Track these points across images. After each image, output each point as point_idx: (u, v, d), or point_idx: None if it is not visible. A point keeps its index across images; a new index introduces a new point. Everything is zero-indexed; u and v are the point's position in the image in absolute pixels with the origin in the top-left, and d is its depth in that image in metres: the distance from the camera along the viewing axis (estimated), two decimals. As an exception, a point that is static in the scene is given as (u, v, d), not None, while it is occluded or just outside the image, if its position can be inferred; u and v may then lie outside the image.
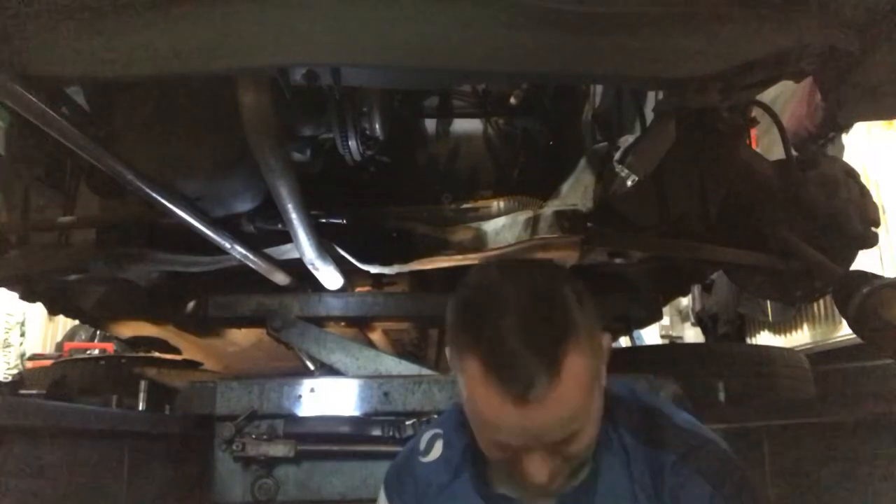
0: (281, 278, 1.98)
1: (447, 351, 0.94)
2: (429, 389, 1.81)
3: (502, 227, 1.98)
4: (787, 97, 3.30)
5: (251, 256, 1.75)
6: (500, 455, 0.89)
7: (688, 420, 1.00)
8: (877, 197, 2.85)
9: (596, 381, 0.88)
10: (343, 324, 2.26)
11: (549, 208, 1.94)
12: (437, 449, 1.08)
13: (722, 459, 0.94)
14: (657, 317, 2.40)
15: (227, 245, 1.65)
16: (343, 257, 1.84)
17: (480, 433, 0.90)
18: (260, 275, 1.90)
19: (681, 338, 5.73)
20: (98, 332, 4.98)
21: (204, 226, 1.54)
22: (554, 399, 0.80)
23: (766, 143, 3.00)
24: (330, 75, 1.13)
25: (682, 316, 5.65)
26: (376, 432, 1.77)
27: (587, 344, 0.85)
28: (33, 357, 5.81)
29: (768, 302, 4.07)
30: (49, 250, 1.85)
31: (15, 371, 5.76)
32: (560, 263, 0.82)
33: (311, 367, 2.16)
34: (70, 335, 5.99)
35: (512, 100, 2.00)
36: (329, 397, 1.84)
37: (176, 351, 2.88)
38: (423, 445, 1.10)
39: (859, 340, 1.71)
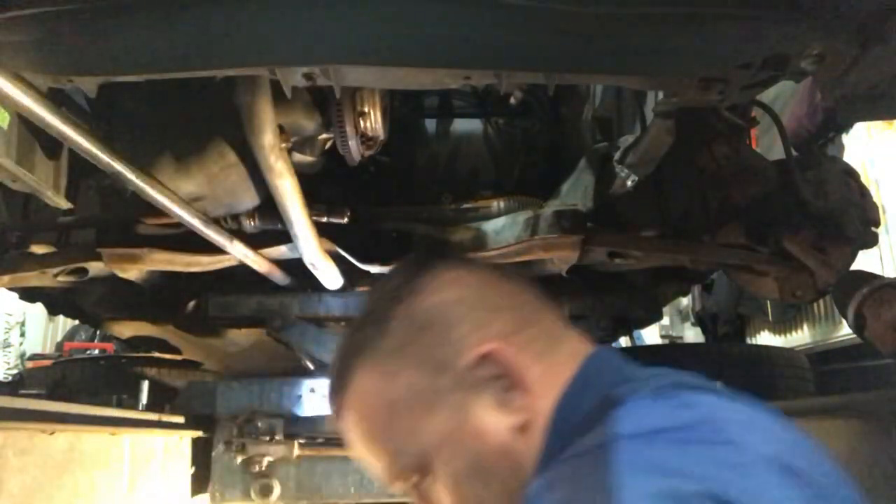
0: (281, 278, 1.98)
1: None
2: (429, 389, 1.80)
3: (502, 227, 1.98)
4: (787, 97, 3.30)
5: (251, 256, 1.75)
6: None
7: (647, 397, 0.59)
8: (877, 197, 2.85)
9: (416, 403, 0.70)
10: (343, 324, 2.26)
11: (549, 208, 1.94)
12: None
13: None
14: (657, 317, 2.40)
15: (227, 245, 1.65)
16: (343, 257, 1.83)
17: None
18: (260, 275, 1.90)
19: (681, 338, 5.72)
20: (98, 332, 4.98)
21: (204, 226, 1.54)
22: (345, 418, 0.74)
23: (766, 143, 3.00)
24: (330, 75, 1.13)
25: (682, 316, 5.64)
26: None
27: (393, 362, 0.71)
28: (33, 357, 5.81)
29: (768, 302, 4.06)
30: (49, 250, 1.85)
31: (15, 371, 5.75)
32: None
33: (311, 367, 2.16)
34: (70, 335, 6.00)
35: (512, 100, 2.00)
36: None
37: (176, 351, 2.87)
38: None
39: (859, 340, 1.71)
